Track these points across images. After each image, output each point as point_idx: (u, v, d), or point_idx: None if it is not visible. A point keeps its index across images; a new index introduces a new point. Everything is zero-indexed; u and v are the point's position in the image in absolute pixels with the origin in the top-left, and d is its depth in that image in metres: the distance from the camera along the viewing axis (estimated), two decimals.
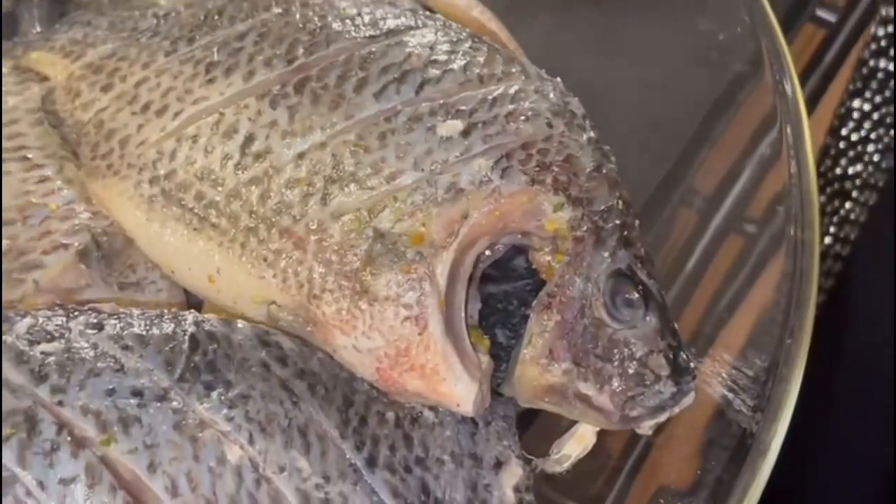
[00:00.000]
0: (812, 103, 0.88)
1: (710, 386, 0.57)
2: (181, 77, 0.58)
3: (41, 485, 0.44)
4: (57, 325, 0.49)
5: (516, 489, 0.53)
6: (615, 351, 0.52)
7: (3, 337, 0.48)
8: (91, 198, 0.58)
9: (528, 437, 0.57)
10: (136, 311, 0.51)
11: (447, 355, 0.51)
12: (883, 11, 1.01)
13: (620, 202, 0.54)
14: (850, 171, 1.10)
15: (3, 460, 0.44)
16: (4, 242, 0.55)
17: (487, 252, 0.54)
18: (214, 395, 0.48)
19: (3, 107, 0.62)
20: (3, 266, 0.55)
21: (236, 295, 0.54)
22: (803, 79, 0.85)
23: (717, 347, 0.60)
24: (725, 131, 0.68)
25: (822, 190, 1.11)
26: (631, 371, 0.52)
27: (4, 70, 0.65)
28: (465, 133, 0.54)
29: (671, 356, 0.52)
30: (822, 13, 0.88)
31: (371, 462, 0.50)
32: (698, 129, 0.69)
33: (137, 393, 0.47)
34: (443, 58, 0.56)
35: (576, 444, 0.55)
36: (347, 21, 0.58)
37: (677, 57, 0.70)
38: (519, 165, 0.53)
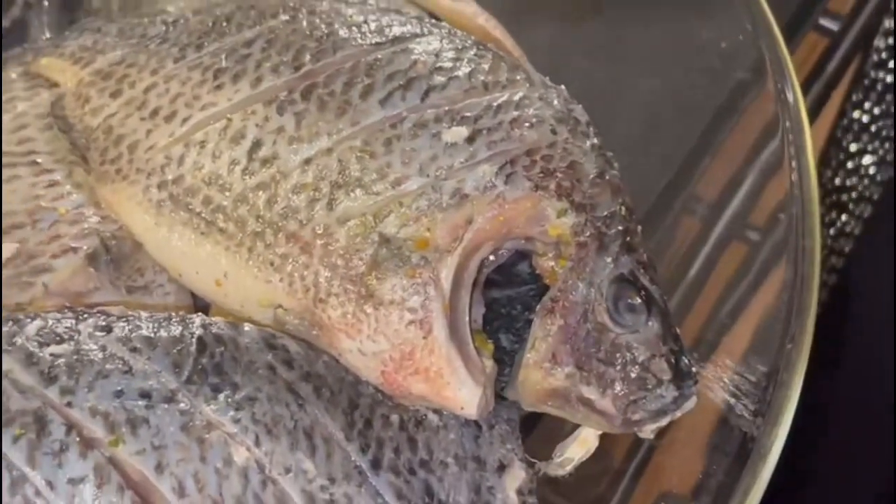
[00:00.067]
0: (814, 112, 0.88)
1: (711, 391, 0.58)
2: (189, 83, 0.58)
3: (50, 485, 0.45)
4: (66, 328, 0.50)
5: (519, 492, 0.54)
6: (618, 355, 0.53)
7: (14, 339, 0.49)
8: (100, 202, 0.58)
9: (532, 440, 0.58)
10: (144, 314, 0.52)
11: (451, 359, 0.51)
12: (886, 23, 1.01)
13: (623, 208, 0.55)
14: (847, 183, 1.11)
15: (14, 460, 0.45)
16: (14, 246, 0.56)
17: (491, 257, 0.54)
18: (221, 397, 0.48)
19: (13, 112, 0.63)
20: (14, 269, 0.55)
21: (243, 298, 0.55)
22: (806, 87, 0.85)
23: (718, 353, 0.60)
24: (728, 139, 0.68)
25: (821, 200, 1.11)
26: (633, 375, 0.52)
27: (14, 76, 0.66)
28: (470, 139, 0.54)
29: (673, 360, 0.53)
30: (825, 22, 0.88)
31: (376, 464, 0.50)
32: (701, 137, 0.69)
33: (145, 395, 0.48)
34: (448, 65, 0.57)
35: (578, 448, 0.55)
36: (354, 28, 0.59)
37: (680, 65, 0.70)
38: (523, 171, 0.53)
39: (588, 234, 0.53)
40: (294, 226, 0.53)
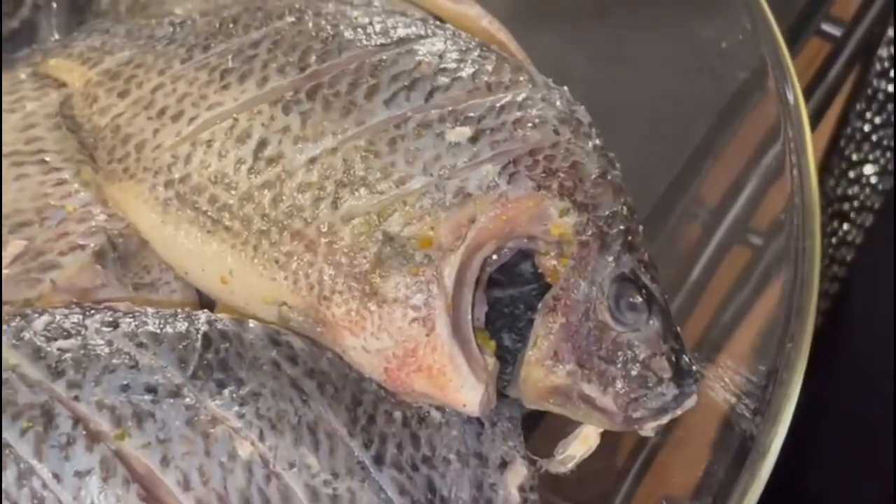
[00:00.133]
0: (816, 119, 0.89)
1: (713, 390, 0.58)
2: (196, 83, 0.59)
3: (57, 477, 0.45)
4: (73, 323, 0.50)
5: (521, 488, 0.54)
6: (619, 353, 0.53)
7: (22, 333, 0.49)
8: (107, 200, 0.59)
9: (534, 438, 0.58)
10: (150, 310, 0.52)
11: (454, 356, 0.52)
12: (889, 32, 1.02)
13: (625, 208, 0.55)
14: (849, 192, 1.11)
15: (21, 453, 0.46)
16: (23, 243, 0.57)
17: (494, 256, 0.54)
18: (226, 392, 0.49)
19: (23, 111, 0.63)
20: (22, 266, 0.56)
21: (248, 296, 0.55)
22: (808, 93, 0.85)
23: (720, 353, 0.61)
24: (729, 141, 0.69)
25: (823, 209, 1.11)
26: (634, 373, 0.53)
27: (23, 76, 0.66)
28: (474, 139, 0.54)
29: (673, 359, 0.53)
30: (827, 27, 0.89)
31: (379, 460, 0.51)
32: (703, 140, 0.69)
33: (151, 389, 0.48)
34: (452, 66, 0.57)
35: (580, 445, 0.55)
36: (359, 30, 0.59)
37: (681, 67, 0.71)
38: (526, 171, 0.54)
39: (590, 233, 0.54)
40: (299, 224, 0.54)
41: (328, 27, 0.60)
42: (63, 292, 0.55)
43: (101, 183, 0.59)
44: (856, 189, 1.12)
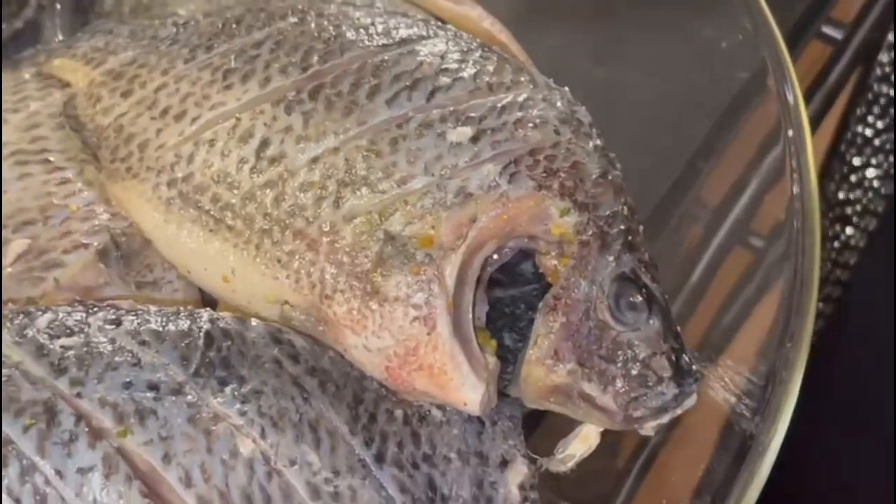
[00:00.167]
0: (817, 121, 0.89)
1: (713, 390, 0.58)
2: (199, 83, 0.59)
3: (59, 474, 0.45)
4: (76, 321, 0.50)
5: (521, 487, 0.54)
6: (619, 352, 0.53)
7: (25, 331, 0.50)
8: (110, 199, 0.59)
9: (535, 438, 0.58)
10: (152, 308, 0.52)
11: (455, 355, 0.52)
12: (889, 37, 1.02)
13: (625, 208, 0.55)
14: (851, 196, 1.11)
15: (24, 449, 0.46)
16: (26, 242, 0.57)
17: (495, 256, 0.55)
18: (228, 390, 0.49)
19: (27, 111, 0.64)
20: (25, 264, 0.56)
21: (250, 295, 0.56)
22: (809, 95, 0.86)
23: (720, 354, 0.61)
24: (730, 142, 0.69)
25: (824, 214, 1.12)
26: (634, 372, 0.53)
27: (27, 76, 0.67)
28: (475, 139, 0.55)
29: (673, 358, 0.53)
30: (828, 30, 0.89)
31: (380, 458, 0.51)
32: (703, 140, 0.70)
33: (153, 387, 0.48)
34: (453, 66, 0.58)
35: (580, 444, 0.55)
36: (361, 30, 0.60)
37: (682, 68, 0.71)
38: (526, 171, 0.54)
39: (590, 232, 0.54)
40: (301, 223, 0.54)
41: (330, 28, 0.60)
42: (66, 290, 0.56)
43: (105, 182, 0.60)
44: (858, 193, 1.12)
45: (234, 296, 0.56)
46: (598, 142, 0.57)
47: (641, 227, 0.56)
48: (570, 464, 0.56)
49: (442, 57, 0.58)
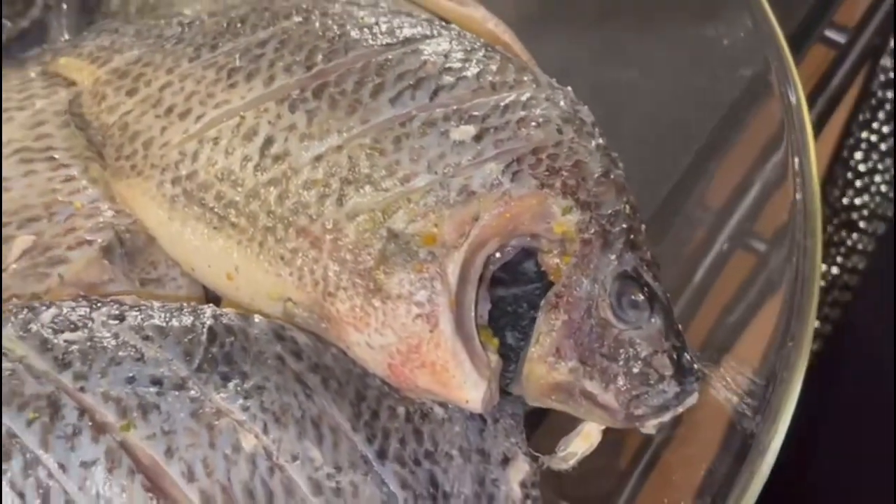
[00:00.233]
0: (820, 125, 0.89)
1: (715, 390, 0.58)
2: (204, 82, 0.59)
3: (62, 467, 0.46)
4: (80, 316, 0.51)
5: (523, 484, 0.54)
6: (620, 351, 0.53)
7: (29, 326, 0.50)
8: (115, 197, 0.60)
9: (537, 436, 0.58)
10: (156, 304, 0.52)
11: (457, 353, 0.52)
12: (892, 43, 1.02)
13: (628, 207, 0.55)
14: (857, 201, 1.11)
15: (27, 443, 0.46)
16: (31, 238, 0.57)
17: (497, 254, 0.55)
18: (231, 385, 0.49)
19: (32, 109, 0.64)
20: (30, 260, 0.57)
21: (253, 292, 0.56)
22: (812, 99, 0.86)
23: (722, 354, 0.61)
24: (733, 143, 0.69)
25: (829, 220, 1.12)
26: (636, 370, 0.53)
27: (33, 74, 0.67)
28: (478, 138, 0.55)
29: (675, 356, 0.54)
30: (831, 34, 0.89)
31: (381, 454, 0.51)
32: (706, 142, 0.70)
33: (157, 381, 0.48)
34: (457, 65, 0.58)
35: (581, 442, 0.56)
36: (365, 29, 0.60)
37: (685, 69, 0.71)
38: (529, 169, 0.54)
39: (592, 231, 0.54)
40: (304, 221, 0.54)
41: (335, 27, 0.60)
42: (70, 287, 0.56)
43: (109, 179, 0.60)
44: (865, 198, 1.12)
45: (238, 293, 0.56)
46: (601, 141, 0.57)
47: (643, 227, 0.56)
48: (572, 462, 0.56)
49: (445, 56, 0.58)
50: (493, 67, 0.58)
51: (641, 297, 0.54)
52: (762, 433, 0.53)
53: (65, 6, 0.73)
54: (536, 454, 0.56)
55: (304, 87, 0.57)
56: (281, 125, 0.56)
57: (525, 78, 0.58)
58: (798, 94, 0.61)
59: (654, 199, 0.68)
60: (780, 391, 0.53)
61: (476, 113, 0.56)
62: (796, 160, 0.61)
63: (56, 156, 0.61)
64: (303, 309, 0.54)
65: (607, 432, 0.56)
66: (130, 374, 0.48)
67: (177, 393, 0.48)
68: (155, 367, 0.49)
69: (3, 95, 0.65)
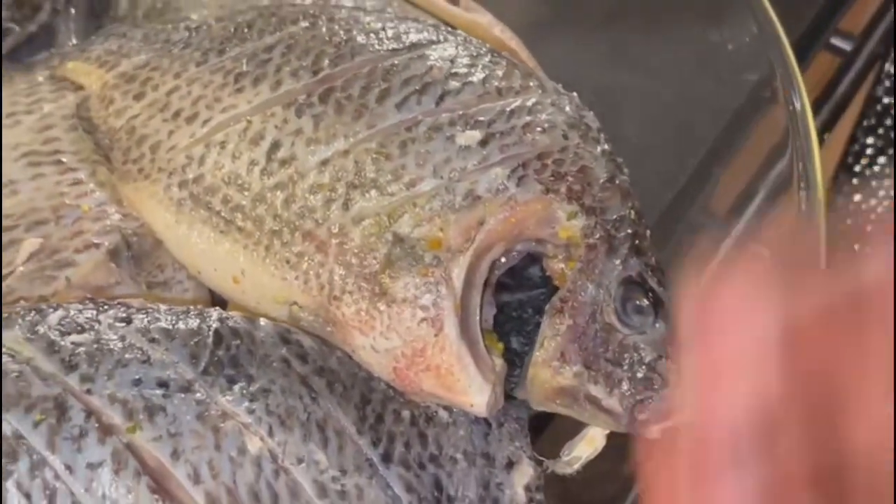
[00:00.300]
0: (825, 131, 0.89)
1: None
2: (211, 86, 0.60)
3: (69, 468, 0.46)
4: (87, 318, 0.51)
5: (527, 488, 0.54)
6: (625, 355, 0.53)
7: (37, 328, 0.50)
8: (122, 200, 0.60)
9: (541, 441, 0.58)
10: (162, 307, 0.53)
11: (462, 356, 0.52)
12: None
13: (632, 212, 0.56)
14: (864, 207, 1.11)
15: (34, 444, 0.46)
16: (38, 241, 0.57)
17: (503, 259, 0.55)
18: (236, 388, 0.50)
19: (40, 113, 0.64)
20: (37, 263, 0.57)
21: (259, 295, 0.56)
22: (817, 106, 0.86)
23: None
24: (738, 149, 0.69)
25: (834, 225, 1.12)
26: (640, 375, 0.53)
27: (41, 79, 0.67)
28: (483, 143, 0.55)
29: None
30: (837, 41, 0.89)
31: (386, 457, 0.51)
32: (710, 147, 0.70)
33: (163, 384, 0.49)
34: (463, 71, 0.58)
35: (586, 447, 0.56)
36: (371, 35, 0.60)
37: (690, 75, 0.71)
38: (534, 175, 0.54)
39: (598, 236, 0.54)
40: (310, 225, 0.54)
41: (341, 32, 0.61)
42: (78, 289, 0.56)
43: (117, 183, 0.60)
44: (872, 203, 1.12)
45: (244, 296, 0.57)
46: (606, 146, 0.58)
47: (648, 232, 0.57)
48: (576, 466, 0.56)
49: (451, 61, 0.59)
50: (499, 73, 0.59)
51: (646, 302, 0.54)
52: None
53: (73, 11, 0.74)
54: (541, 458, 0.56)
55: (311, 91, 0.58)
56: (287, 130, 0.57)
57: (531, 83, 0.59)
58: (803, 101, 0.61)
59: (657, 205, 0.68)
60: None
61: (482, 118, 0.56)
62: (801, 166, 0.61)
63: (64, 159, 0.62)
64: (308, 312, 0.55)
65: (611, 437, 0.56)
66: (137, 377, 0.49)
67: (183, 395, 0.49)
68: (161, 369, 0.49)
69: (12, 99, 0.66)
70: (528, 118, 0.56)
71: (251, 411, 0.49)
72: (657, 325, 0.54)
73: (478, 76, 0.58)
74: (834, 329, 0.34)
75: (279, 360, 0.52)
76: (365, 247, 0.53)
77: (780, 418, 0.34)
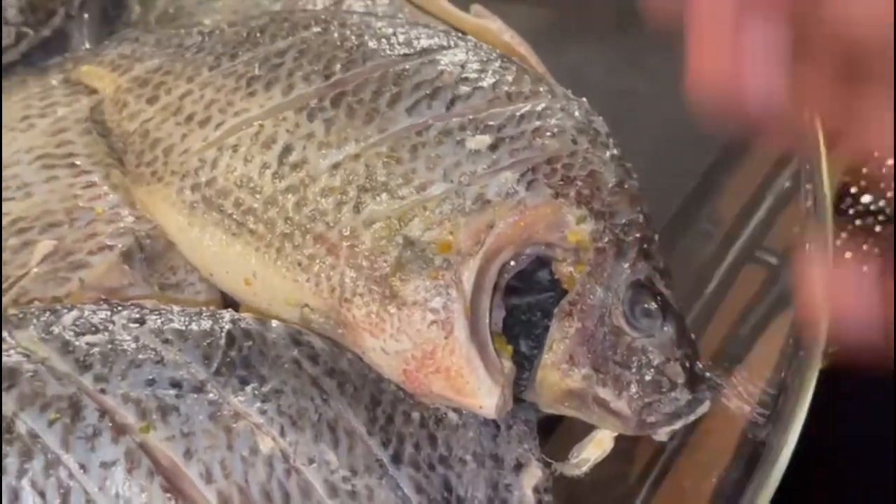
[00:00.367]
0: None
1: (727, 398, 0.59)
2: (223, 90, 0.60)
3: (83, 467, 0.46)
4: (101, 319, 0.51)
5: (536, 490, 0.55)
6: (633, 358, 0.54)
7: (52, 328, 0.51)
8: (135, 203, 0.61)
9: (550, 444, 0.59)
10: (175, 308, 0.53)
11: (471, 359, 0.52)
12: None
13: (641, 216, 0.56)
14: (872, 208, 1.11)
15: (48, 443, 0.47)
16: (52, 243, 0.58)
17: (512, 262, 0.55)
18: (249, 388, 0.50)
19: (54, 116, 0.65)
20: (51, 265, 0.57)
21: (271, 297, 0.56)
22: None
23: (734, 363, 0.61)
24: (746, 156, 0.69)
25: (842, 228, 1.12)
26: (648, 378, 0.54)
27: (55, 82, 0.68)
28: (493, 147, 0.56)
29: (687, 365, 0.54)
30: None
31: (396, 458, 0.51)
32: (719, 154, 0.70)
33: (176, 384, 0.49)
34: (473, 76, 0.59)
35: (594, 449, 0.56)
36: (383, 40, 0.61)
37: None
38: (544, 179, 0.55)
39: (606, 240, 0.54)
40: (321, 228, 0.55)
41: (353, 37, 0.61)
42: (91, 291, 0.57)
43: (130, 186, 0.61)
44: (881, 203, 1.12)
45: (255, 298, 0.57)
46: (615, 151, 0.58)
47: (657, 236, 0.57)
48: (585, 468, 0.56)
49: (462, 67, 0.59)
50: (509, 78, 0.59)
51: (654, 306, 0.54)
52: (774, 441, 0.53)
53: (86, 16, 0.74)
54: (549, 460, 0.56)
55: (323, 96, 0.58)
56: (299, 133, 0.57)
57: (540, 88, 0.59)
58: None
59: (665, 210, 0.69)
60: (791, 400, 0.54)
61: (492, 123, 0.56)
62: (809, 175, 0.61)
63: (77, 162, 0.62)
64: (319, 314, 0.55)
65: (620, 439, 0.56)
66: (150, 377, 0.49)
67: (195, 395, 0.49)
68: (174, 369, 0.50)
69: (25, 103, 0.66)
70: (537, 123, 0.57)
71: (263, 412, 0.49)
72: (665, 328, 0.54)
73: (488, 81, 0.59)
74: None
75: (291, 362, 0.52)
76: (375, 250, 0.54)
77: None
